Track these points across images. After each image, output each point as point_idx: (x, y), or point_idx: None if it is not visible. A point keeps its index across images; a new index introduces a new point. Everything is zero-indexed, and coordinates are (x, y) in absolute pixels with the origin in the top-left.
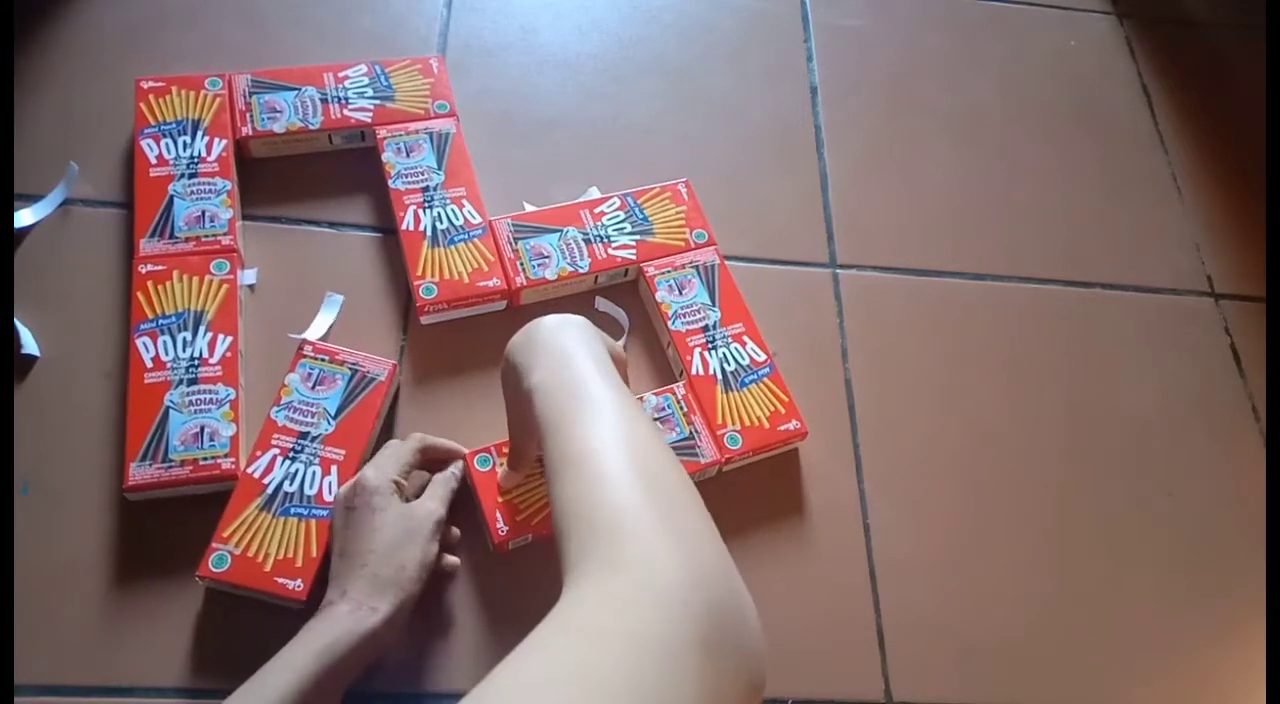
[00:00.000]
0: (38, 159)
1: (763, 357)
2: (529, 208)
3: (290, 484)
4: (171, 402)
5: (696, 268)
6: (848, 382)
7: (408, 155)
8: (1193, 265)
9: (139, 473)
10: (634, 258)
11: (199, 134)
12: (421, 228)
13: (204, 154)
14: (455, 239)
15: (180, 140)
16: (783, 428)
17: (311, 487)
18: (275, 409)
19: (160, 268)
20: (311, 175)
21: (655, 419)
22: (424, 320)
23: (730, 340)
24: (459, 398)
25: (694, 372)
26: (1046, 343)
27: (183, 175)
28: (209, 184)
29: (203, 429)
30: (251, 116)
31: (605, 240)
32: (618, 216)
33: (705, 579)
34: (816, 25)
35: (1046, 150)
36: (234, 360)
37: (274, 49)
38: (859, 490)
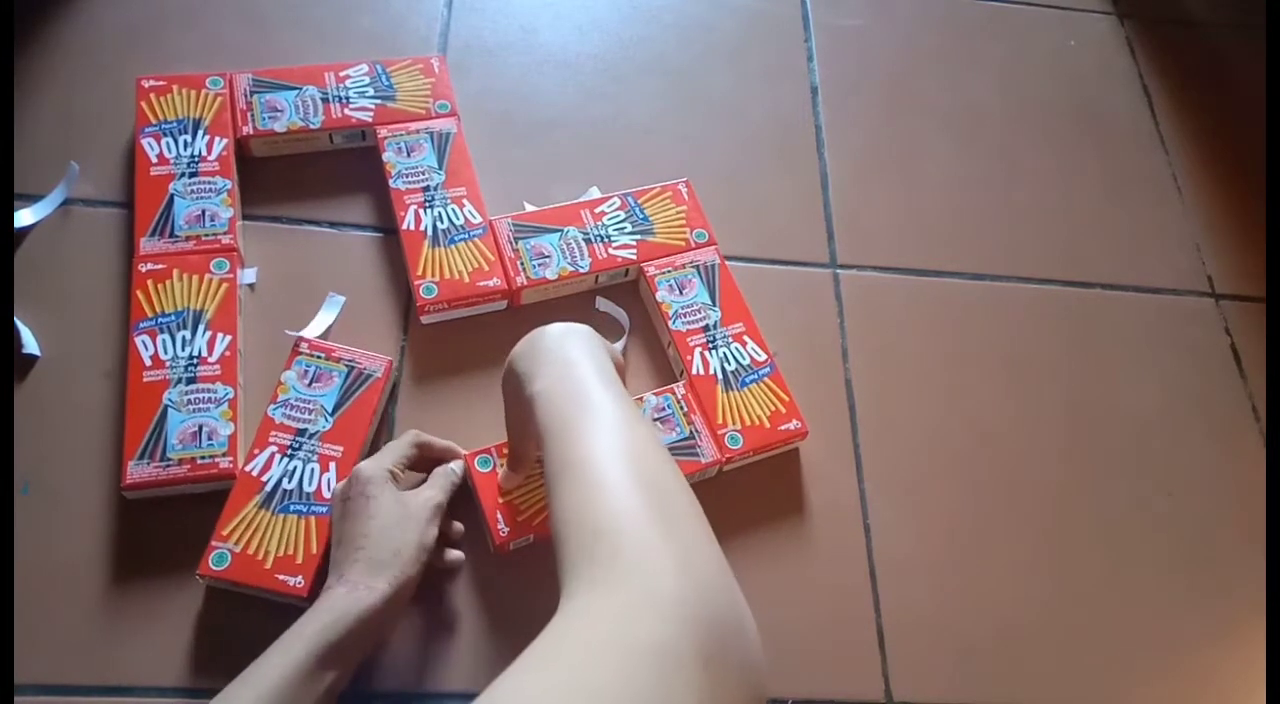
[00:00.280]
0: (38, 159)
1: (763, 356)
2: (529, 207)
3: (289, 481)
4: (170, 400)
5: (697, 268)
6: (848, 381)
7: (408, 155)
8: (1193, 265)
9: (137, 471)
10: (634, 258)
11: (200, 133)
12: (422, 227)
13: (204, 153)
14: (456, 239)
15: (181, 139)
16: (783, 428)
17: (310, 483)
18: (272, 407)
19: (160, 267)
20: (312, 175)
21: (655, 419)
22: (424, 320)
23: (730, 340)
24: (459, 398)
25: (694, 371)
26: (1046, 343)
27: (183, 174)
28: (209, 183)
29: (201, 428)
30: (252, 116)
31: (606, 240)
32: (618, 216)
33: (705, 592)
34: (817, 25)
35: (1046, 150)
36: (233, 359)
37: (274, 49)
38: (859, 490)
